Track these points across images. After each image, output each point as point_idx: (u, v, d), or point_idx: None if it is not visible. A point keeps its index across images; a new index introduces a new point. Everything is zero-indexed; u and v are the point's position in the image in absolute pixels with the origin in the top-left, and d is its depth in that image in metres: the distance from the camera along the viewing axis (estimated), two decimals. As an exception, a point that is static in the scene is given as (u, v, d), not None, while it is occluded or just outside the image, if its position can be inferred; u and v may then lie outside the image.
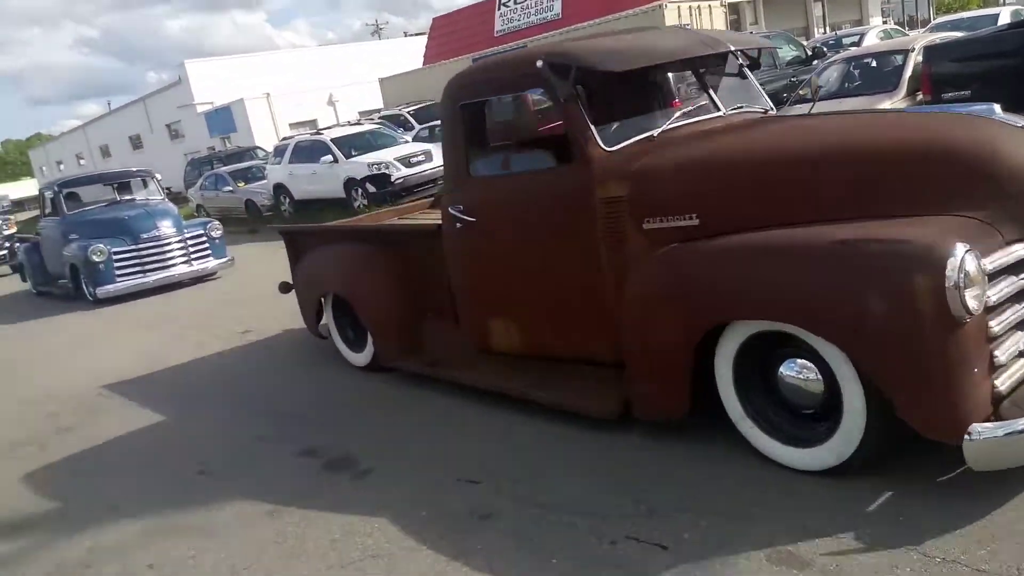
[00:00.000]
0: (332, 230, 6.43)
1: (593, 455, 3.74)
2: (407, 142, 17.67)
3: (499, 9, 26.50)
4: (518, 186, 4.23)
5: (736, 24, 20.84)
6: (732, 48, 4.27)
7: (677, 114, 4.08)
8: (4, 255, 17.57)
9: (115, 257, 10.91)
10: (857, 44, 15.65)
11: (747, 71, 4.52)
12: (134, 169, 13.74)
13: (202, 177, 22.11)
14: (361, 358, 5.61)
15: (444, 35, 29.05)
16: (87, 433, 5.48)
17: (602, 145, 3.74)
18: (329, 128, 20.50)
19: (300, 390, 5.60)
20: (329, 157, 16.61)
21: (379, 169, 15.60)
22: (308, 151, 17.39)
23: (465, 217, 4.32)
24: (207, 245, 11.70)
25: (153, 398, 6.03)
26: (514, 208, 4.17)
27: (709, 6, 19.48)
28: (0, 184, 69.92)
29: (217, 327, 8.26)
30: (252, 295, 9.80)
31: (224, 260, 11.90)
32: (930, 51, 8.70)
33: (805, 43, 14.23)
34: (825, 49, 13.70)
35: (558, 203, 3.92)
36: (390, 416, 4.79)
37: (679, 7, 18.54)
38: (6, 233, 18.48)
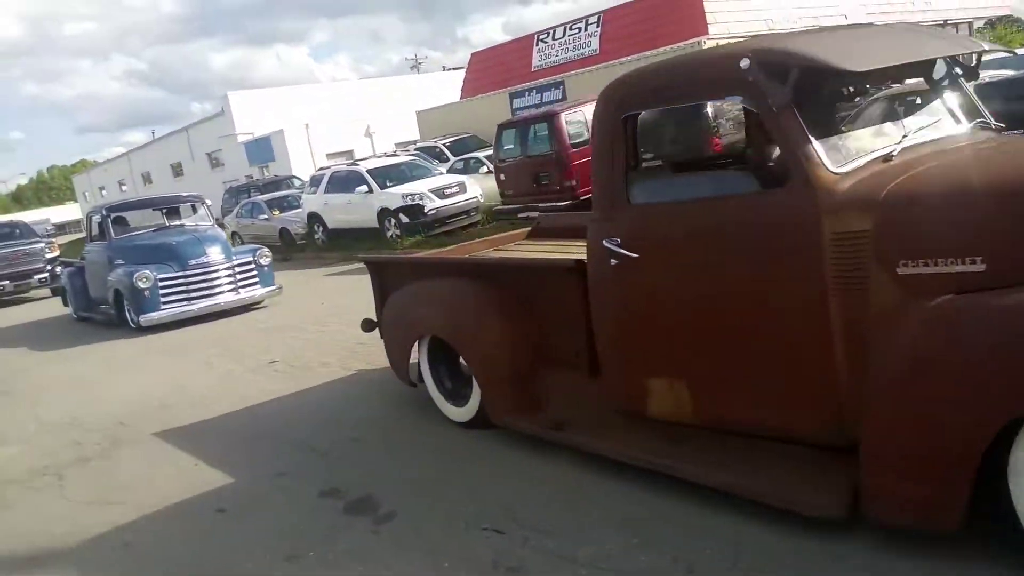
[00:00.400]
0: (433, 263, 5.70)
1: (627, 505, 3.51)
2: (442, 174, 17.70)
3: (537, 45, 26.63)
4: (700, 216, 3.37)
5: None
6: (985, 48, 3.58)
7: (914, 128, 3.35)
8: (46, 278, 17.73)
9: (161, 284, 10.60)
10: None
11: (964, 81, 3.76)
12: (184, 194, 13.48)
13: (238, 205, 22.33)
14: (461, 413, 4.82)
15: (482, 69, 29.24)
16: (107, 464, 5.37)
17: (829, 166, 3.00)
18: (365, 159, 20.65)
19: (324, 425, 5.43)
20: (364, 187, 16.68)
21: (413, 200, 15.61)
22: (344, 181, 17.51)
23: (624, 252, 3.55)
24: (255, 273, 11.36)
25: (175, 429, 5.91)
26: (694, 243, 3.37)
27: (748, 42, 19.36)
28: (43, 208, 71.78)
29: (247, 356, 8.17)
30: (284, 324, 9.74)
31: (272, 288, 11.52)
32: (981, 89, 8.43)
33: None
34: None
35: (762, 237, 3.12)
36: (412, 455, 4.61)
37: (718, 43, 18.44)
38: (48, 256, 18.63)
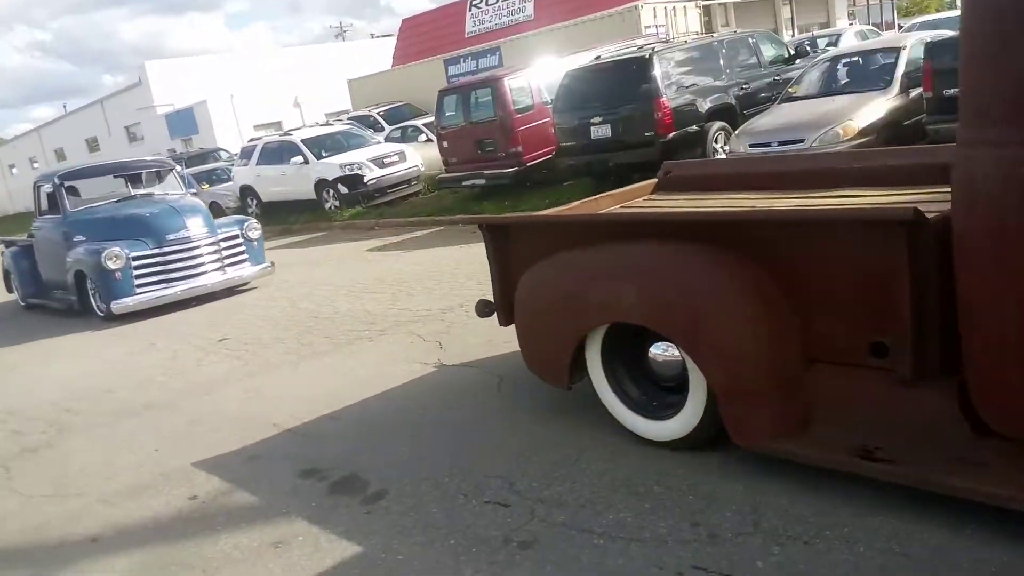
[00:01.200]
0: (624, 221, 4.11)
1: (631, 472, 3.38)
2: (379, 143, 17.25)
3: (470, 11, 26.13)
4: None
5: (709, 25, 20.74)
6: None
7: None
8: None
9: (135, 263, 9.01)
10: (834, 45, 15.71)
11: None
12: (150, 159, 11.75)
13: (164, 180, 21.42)
14: (664, 429, 3.54)
15: (414, 36, 28.58)
16: (55, 454, 4.99)
17: None
18: (298, 129, 20.00)
19: (292, 403, 5.14)
20: (299, 158, 16.15)
21: (352, 170, 15.19)
22: (277, 152, 16.92)
23: None
24: (243, 248, 9.73)
25: (126, 415, 5.54)
26: None
27: (684, 7, 19.30)
28: (-52, 189, 67.71)
29: (192, 335, 7.77)
30: (229, 300, 9.32)
31: (264, 266, 9.95)
32: (934, 47, 8.57)
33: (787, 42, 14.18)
34: (809, 48, 13.61)
35: None
36: (392, 432, 4.38)
37: (655, 8, 18.33)
38: (-24, 235, 17.16)
